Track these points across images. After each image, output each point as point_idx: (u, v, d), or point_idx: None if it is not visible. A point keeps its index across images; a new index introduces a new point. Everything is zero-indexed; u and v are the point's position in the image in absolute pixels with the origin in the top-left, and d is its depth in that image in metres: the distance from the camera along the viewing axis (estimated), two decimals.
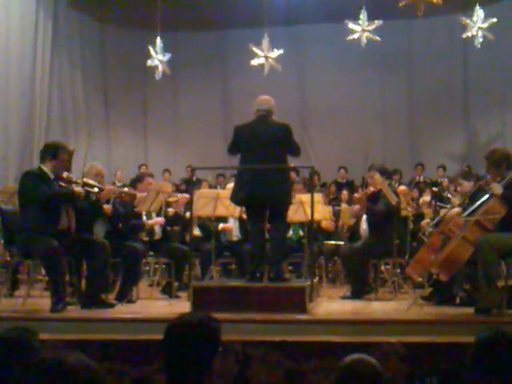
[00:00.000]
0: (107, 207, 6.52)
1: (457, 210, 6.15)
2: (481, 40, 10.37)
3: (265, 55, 11.23)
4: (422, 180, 12.64)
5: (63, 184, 5.97)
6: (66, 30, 13.49)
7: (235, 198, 6.26)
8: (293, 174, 9.17)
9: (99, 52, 14.62)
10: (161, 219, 7.23)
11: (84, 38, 14.06)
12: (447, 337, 4.69)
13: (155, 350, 4.38)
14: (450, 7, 11.55)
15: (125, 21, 14.42)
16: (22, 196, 5.93)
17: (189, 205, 6.99)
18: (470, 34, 10.39)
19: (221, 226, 8.26)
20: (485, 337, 2.67)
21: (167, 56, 11.28)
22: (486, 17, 10.29)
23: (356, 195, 7.88)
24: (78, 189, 5.88)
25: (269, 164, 5.93)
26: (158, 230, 7.31)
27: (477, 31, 10.34)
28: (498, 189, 5.43)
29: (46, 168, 5.90)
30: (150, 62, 11.36)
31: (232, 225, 8.32)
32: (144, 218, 7.19)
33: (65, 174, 6.04)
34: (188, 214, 7.47)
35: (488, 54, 12.17)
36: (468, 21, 10.39)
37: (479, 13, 10.26)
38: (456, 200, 6.48)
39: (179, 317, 2.57)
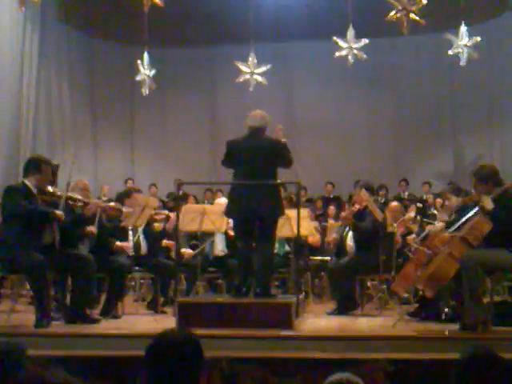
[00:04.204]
0: (92, 229, 6.41)
1: (441, 224, 6.15)
2: (466, 57, 10.45)
3: (251, 71, 11.25)
4: (406, 196, 12.68)
5: (47, 198, 5.93)
6: (53, 43, 13.42)
7: (230, 213, 6.26)
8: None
9: (87, 65, 14.58)
10: (128, 245, 7.08)
11: (72, 51, 14.00)
12: (433, 353, 4.70)
13: (140, 367, 4.33)
14: (436, 25, 11.68)
15: (113, 35, 14.43)
16: (4, 210, 5.90)
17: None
18: (456, 51, 10.47)
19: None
20: (469, 355, 2.66)
21: (153, 71, 11.29)
22: (471, 35, 10.37)
23: (343, 214, 7.89)
24: (59, 213, 5.83)
25: (259, 179, 5.92)
26: (143, 244, 7.28)
27: (462, 49, 10.43)
28: (489, 203, 5.39)
29: (30, 182, 5.86)
30: (139, 77, 11.36)
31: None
32: (130, 232, 7.17)
33: (49, 189, 6.00)
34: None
35: (474, 72, 12.26)
36: (454, 38, 10.47)
37: (464, 31, 10.35)
38: (444, 216, 6.45)
39: (160, 334, 2.51)
